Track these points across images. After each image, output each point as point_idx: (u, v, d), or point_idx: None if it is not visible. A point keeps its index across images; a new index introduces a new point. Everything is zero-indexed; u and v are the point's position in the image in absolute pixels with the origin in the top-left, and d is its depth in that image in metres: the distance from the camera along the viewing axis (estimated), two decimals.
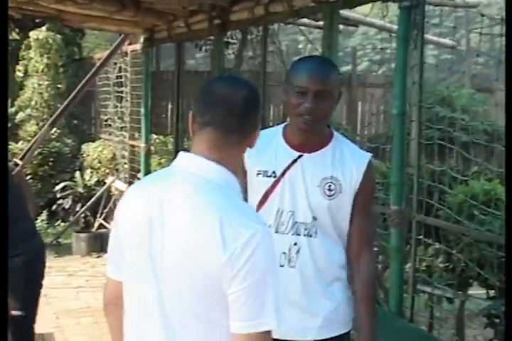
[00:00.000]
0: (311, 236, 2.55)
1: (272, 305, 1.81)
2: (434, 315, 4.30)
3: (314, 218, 2.55)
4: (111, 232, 2.08)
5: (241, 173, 2.69)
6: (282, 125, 2.73)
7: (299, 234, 2.55)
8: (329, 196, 2.55)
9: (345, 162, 2.58)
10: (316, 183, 2.56)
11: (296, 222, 2.56)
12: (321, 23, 4.92)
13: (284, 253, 2.56)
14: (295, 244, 2.55)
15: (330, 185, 2.55)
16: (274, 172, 2.60)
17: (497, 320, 3.85)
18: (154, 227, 1.91)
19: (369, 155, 2.63)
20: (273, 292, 1.83)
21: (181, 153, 1.99)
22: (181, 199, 1.89)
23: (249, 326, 1.81)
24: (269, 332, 1.83)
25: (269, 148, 2.64)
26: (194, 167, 1.93)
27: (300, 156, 2.59)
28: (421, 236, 3.69)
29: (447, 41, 6.08)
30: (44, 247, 4.21)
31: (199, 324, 1.87)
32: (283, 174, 2.58)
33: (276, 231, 2.55)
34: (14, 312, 3.85)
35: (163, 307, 1.89)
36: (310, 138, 2.60)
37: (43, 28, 11.13)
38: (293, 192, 2.57)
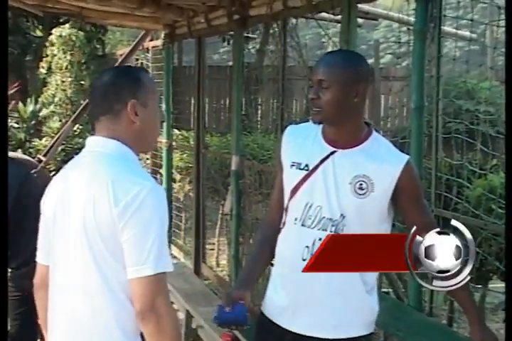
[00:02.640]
0: (337, 233, 2.49)
1: (156, 253, 2.05)
2: (454, 309, 4.28)
3: (342, 215, 2.50)
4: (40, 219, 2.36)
5: (279, 167, 2.71)
6: None
7: (325, 230, 2.51)
8: (360, 194, 2.50)
9: (381, 162, 2.51)
10: (348, 180, 2.51)
11: (324, 218, 2.52)
12: (339, 17, 4.90)
13: (308, 247, 2.52)
14: (320, 239, 2.47)
15: (361, 184, 2.50)
16: (307, 165, 2.57)
17: None
18: (65, 205, 2.18)
19: (407, 157, 2.56)
20: (158, 241, 2.06)
21: (88, 138, 2.30)
22: (82, 173, 2.18)
23: (135, 271, 2.05)
24: (154, 277, 2.04)
25: (307, 141, 2.62)
26: (95, 145, 2.24)
27: (333, 152, 2.55)
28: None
29: (466, 33, 6.03)
30: None
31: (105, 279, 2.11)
32: (315, 168, 2.55)
33: (303, 225, 2.54)
34: None
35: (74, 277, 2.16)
36: (339, 133, 2.55)
37: (66, 25, 11.19)
38: (323, 188, 2.53)
